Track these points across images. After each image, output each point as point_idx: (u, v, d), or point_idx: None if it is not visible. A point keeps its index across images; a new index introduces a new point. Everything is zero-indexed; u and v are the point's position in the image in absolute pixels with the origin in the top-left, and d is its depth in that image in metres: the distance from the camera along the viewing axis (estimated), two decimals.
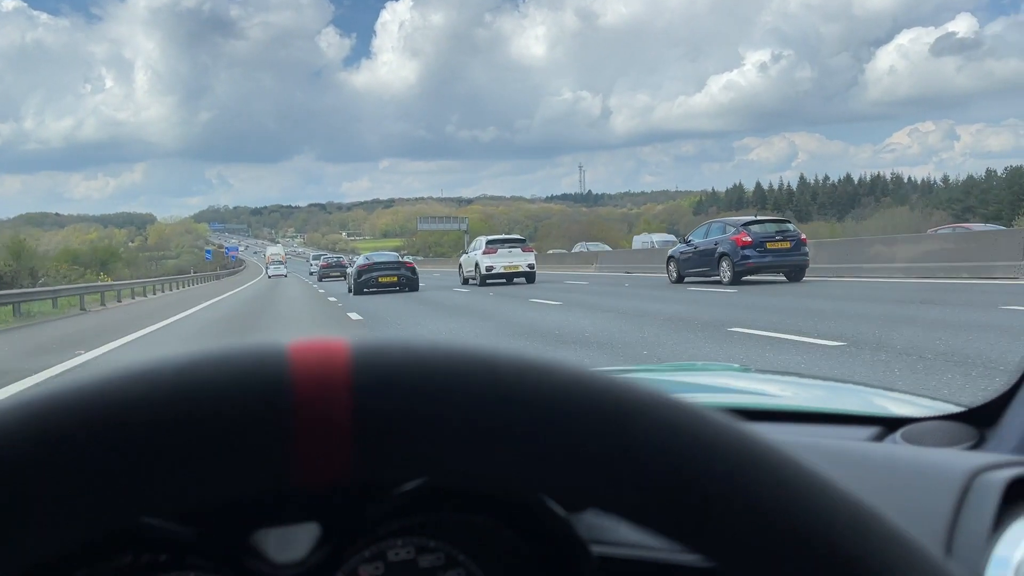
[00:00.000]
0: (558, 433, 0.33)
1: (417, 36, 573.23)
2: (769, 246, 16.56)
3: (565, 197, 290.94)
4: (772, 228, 17.27)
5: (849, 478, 0.54)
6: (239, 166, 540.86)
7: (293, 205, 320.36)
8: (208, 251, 66.90)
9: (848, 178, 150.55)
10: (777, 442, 0.33)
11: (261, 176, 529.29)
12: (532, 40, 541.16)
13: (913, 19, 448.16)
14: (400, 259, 24.84)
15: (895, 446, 0.66)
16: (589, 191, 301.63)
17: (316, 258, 70.61)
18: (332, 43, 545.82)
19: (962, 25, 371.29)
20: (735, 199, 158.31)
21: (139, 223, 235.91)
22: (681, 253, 18.96)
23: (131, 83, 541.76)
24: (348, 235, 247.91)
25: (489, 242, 24.37)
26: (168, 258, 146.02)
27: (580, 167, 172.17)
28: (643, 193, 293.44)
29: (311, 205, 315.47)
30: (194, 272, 60.03)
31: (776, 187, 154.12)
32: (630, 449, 0.33)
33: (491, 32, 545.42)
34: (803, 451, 0.53)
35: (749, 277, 16.68)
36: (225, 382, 0.30)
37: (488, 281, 23.25)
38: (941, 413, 0.70)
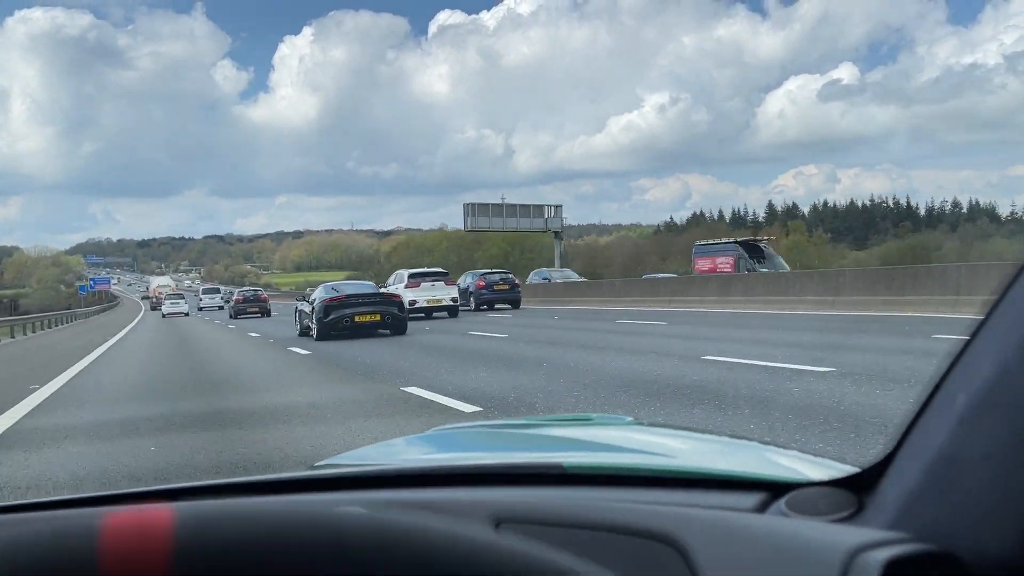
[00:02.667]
0: None
1: (317, 71, 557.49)
2: (495, 288, 27.25)
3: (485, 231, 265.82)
4: (498, 276, 28.07)
5: (732, 555, 0.61)
6: (126, 200, 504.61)
7: (186, 237, 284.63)
8: None
9: (852, 204, 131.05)
10: None
11: (150, 211, 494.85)
12: (435, 78, 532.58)
13: (800, 67, 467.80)
14: (379, 289, 19.15)
15: (777, 519, 0.67)
16: None
17: (207, 292, 60.89)
18: (228, 76, 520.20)
19: (845, 73, 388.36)
20: (701, 224, 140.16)
21: None
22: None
23: (6, 112, 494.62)
24: (255, 267, 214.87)
25: (412, 275, 23.94)
26: (21, 296, 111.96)
27: (502, 198, 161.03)
28: (574, 226, 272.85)
29: (207, 237, 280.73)
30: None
31: (741, 213, 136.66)
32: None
33: (393, 69, 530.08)
34: (688, 522, 0.65)
35: (498, 305, 27.53)
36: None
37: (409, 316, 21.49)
38: (826, 478, 0.71)
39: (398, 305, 16.83)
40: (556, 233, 55.50)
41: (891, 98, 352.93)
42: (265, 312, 37.10)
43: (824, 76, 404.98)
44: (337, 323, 16.13)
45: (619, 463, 0.91)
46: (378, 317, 16.31)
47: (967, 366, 0.59)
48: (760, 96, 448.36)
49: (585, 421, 1.43)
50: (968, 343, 0.60)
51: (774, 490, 0.72)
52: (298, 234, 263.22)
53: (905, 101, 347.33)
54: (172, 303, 48.51)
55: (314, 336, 16.47)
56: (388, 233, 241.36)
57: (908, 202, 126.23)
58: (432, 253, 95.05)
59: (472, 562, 0.47)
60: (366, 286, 19.08)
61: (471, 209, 51.90)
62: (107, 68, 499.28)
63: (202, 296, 58.51)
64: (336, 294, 16.82)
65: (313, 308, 16.89)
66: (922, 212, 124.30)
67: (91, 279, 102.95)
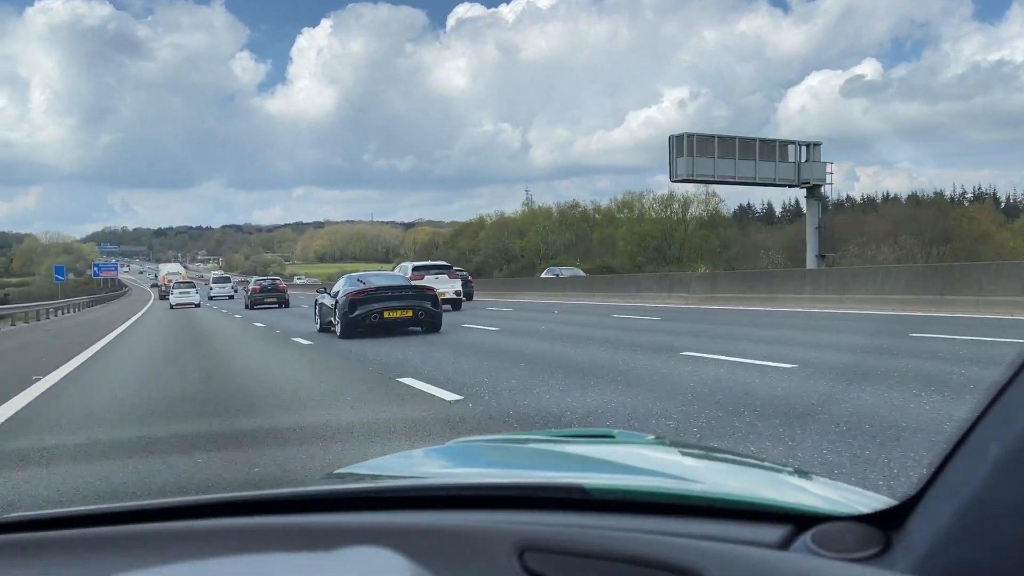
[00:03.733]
0: None
1: (335, 63, 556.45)
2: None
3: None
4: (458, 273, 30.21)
5: None
6: (143, 191, 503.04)
7: (204, 226, 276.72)
8: None
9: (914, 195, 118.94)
10: None
11: (167, 202, 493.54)
12: (453, 71, 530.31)
13: (822, 62, 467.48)
14: (408, 281, 17.24)
15: (803, 557, 0.66)
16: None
17: (217, 281, 59.86)
18: (246, 68, 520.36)
19: (868, 69, 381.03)
20: (751, 215, 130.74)
21: (7, 242, 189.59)
22: None
23: (26, 102, 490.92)
24: (279, 255, 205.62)
25: (415, 268, 23.85)
26: (27, 284, 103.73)
27: (527, 191, 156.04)
28: None
29: (225, 227, 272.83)
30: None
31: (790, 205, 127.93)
32: None
33: (412, 62, 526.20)
34: (712, 556, 0.64)
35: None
36: None
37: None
38: (853, 511, 0.70)
39: (432, 299, 15.09)
40: (810, 189, 34.48)
41: (916, 95, 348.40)
42: (283, 303, 35.38)
43: (847, 72, 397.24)
44: (364, 319, 14.42)
45: (641, 487, 0.88)
46: (410, 313, 14.69)
47: (1000, 415, 0.58)
48: (781, 92, 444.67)
49: (606, 438, 1.40)
50: (1001, 392, 0.59)
51: (799, 522, 0.70)
52: (319, 224, 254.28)
53: (931, 98, 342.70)
54: (181, 292, 43.27)
55: (337, 333, 14.77)
56: (411, 225, 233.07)
57: (994, 193, 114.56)
58: (523, 235, 74.85)
59: None
60: (396, 278, 17.39)
61: (682, 145, 30.95)
62: (126, 59, 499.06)
63: (212, 285, 57.58)
64: (363, 287, 15.00)
65: (336, 302, 15.09)
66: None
67: (95, 265, 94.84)
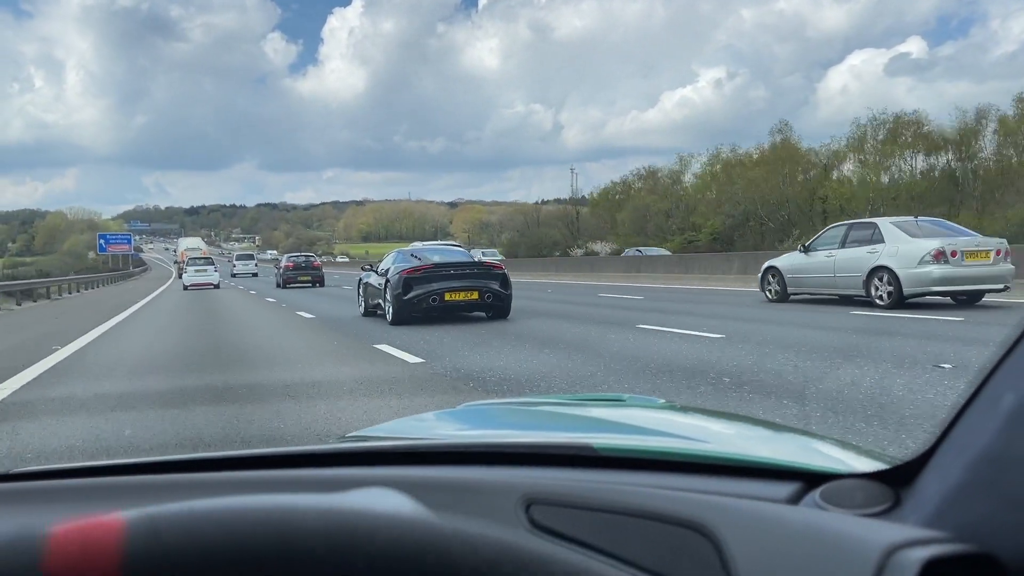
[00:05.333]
0: None
1: (366, 44, 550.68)
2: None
3: (559, 201, 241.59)
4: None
5: (765, 546, 0.60)
6: (176, 172, 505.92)
7: (238, 204, 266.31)
8: None
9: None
10: None
11: (200, 183, 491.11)
12: (485, 52, 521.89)
13: (864, 41, 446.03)
14: (471, 257, 14.31)
15: (811, 511, 0.66)
16: (583, 196, 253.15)
17: (240, 258, 57.17)
18: (278, 48, 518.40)
19: (913, 47, 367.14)
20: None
21: (27, 219, 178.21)
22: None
23: (62, 83, 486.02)
24: (327, 233, 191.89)
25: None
26: (42, 263, 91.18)
27: (572, 170, 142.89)
28: None
29: (260, 205, 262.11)
30: None
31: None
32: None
33: (443, 42, 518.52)
34: (720, 511, 0.64)
35: None
36: None
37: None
38: (862, 470, 0.71)
39: (501, 279, 12.66)
40: None
41: (964, 73, 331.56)
42: (318, 281, 32.72)
43: (891, 50, 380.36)
44: (421, 302, 12.25)
45: (650, 447, 0.88)
46: (475, 295, 12.46)
47: (1016, 364, 0.57)
48: (821, 72, 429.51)
49: (617, 402, 1.42)
50: (1017, 341, 0.58)
51: (808, 480, 0.71)
52: (358, 203, 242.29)
53: (979, 77, 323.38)
54: (197, 270, 35.86)
55: (389, 318, 12.59)
56: (454, 204, 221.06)
57: None
58: (824, 176, 45.79)
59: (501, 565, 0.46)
60: (456, 253, 14.77)
61: None
62: (160, 40, 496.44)
63: (235, 263, 56.17)
64: (418, 263, 12.80)
65: (387, 281, 12.84)
66: None
67: (100, 236, 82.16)
